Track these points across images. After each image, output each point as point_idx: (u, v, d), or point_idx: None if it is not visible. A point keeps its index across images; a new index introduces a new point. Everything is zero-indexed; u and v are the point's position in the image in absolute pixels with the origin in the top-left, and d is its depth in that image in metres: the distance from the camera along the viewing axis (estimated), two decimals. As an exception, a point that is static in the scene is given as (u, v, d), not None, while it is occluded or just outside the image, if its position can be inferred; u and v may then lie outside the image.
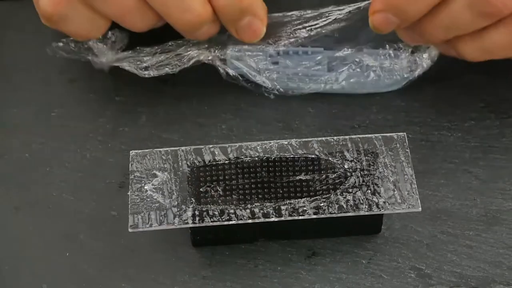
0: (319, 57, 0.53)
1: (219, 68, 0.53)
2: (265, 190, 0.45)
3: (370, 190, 0.45)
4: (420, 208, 0.45)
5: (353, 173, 0.45)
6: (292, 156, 0.46)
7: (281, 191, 0.45)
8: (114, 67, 0.53)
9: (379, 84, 0.53)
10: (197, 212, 0.44)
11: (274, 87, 0.53)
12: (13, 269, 0.48)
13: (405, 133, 0.47)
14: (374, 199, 0.45)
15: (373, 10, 0.48)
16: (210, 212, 0.44)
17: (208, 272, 0.47)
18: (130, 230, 0.44)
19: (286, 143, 0.46)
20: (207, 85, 0.55)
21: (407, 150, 0.46)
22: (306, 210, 0.44)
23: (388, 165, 0.46)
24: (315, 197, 0.45)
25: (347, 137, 0.46)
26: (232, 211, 0.44)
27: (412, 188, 0.45)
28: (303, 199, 0.45)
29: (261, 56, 0.53)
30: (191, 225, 0.44)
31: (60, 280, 0.47)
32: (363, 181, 0.45)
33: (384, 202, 0.45)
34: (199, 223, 0.44)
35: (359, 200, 0.45)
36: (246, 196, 0.45)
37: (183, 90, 0.55)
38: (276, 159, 0.46)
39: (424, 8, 0.47)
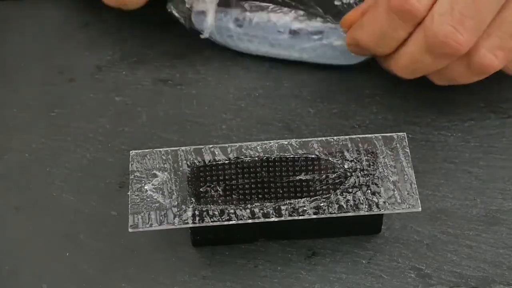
0: (283, 24, 0.53)
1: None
2: (265, 190, 0.45)
3: (370, 190, 0.45)
4: (420, 208, 0.45)
5: (353, 173, 0.45)
6: (292, 156, 0.46)
7: (281, 191, 0.45)
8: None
9: (344, 56, 0.53)
10: (197, 212, 0.44)
11: (235, 47, 0.55)
12: (13, 269, 0.48)
13: (405, 133, 0.47)
14: (374, 199, 0.45)
15: (347, 43, 0.52)
16: (210, 212, 0.44)
17: (208, 272, 0.47)
18: (130, 230, 0.44)
19: (286, 143, 0.46)
20: (207, 85, 0.55)
21: (407, 150, 0.46)
22: (306, 210, 0.44)
23: (388, 165, 0.46)
24: (315, 197, 0.45)
25: (347, 137, 0.46)
26: (232, 211, 0.44)
27: (412, 188, 0.45)
28: (303, 199, 0.45)
29: (225, 18, 0.53)
30: (191, 225, 0.44)
31: (60, 280, 0.47)
32: (363, 181, 0.45)
33: (384, 202, 0.45)
34: (199, 223, 0.44)
35: (359, 200, 0.45)
36: (246, 196, 0.45)
37: (183, 90, 0.55)
38: (276, 159, 0.46)
39: (385, 48, 0.50)
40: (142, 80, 0.55)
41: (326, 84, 0.55)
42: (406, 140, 0.46)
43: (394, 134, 0.47)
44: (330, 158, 0.46)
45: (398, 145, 0.46)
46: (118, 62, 0.56)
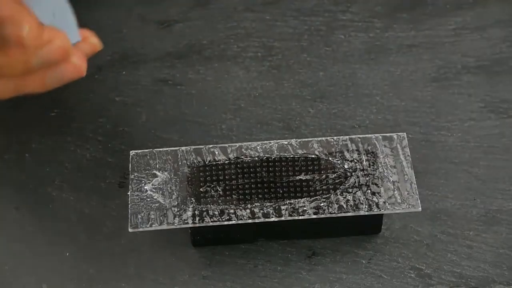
0: None
1: None
2: (265, 190, 0.45)
3: (370, 190, 0.45)
4: (420, 208, 0.45)
5: (353, 173, 0.45)
6: (292, 156, 0.46)
7: (281, 191, 0.45)
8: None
9: None
10: (197, 212, 0.44)
11: None
12: (13, 269, 0.48)
13: (405, 133, 0.47)
14: (374, 199, 0.45)
15: None
16: (210, 212, 0.44)
17: (208, 272, 0.47)
18: (130, 230, 0.44)
19: (286, 143, 0.46)
20: (207, 85, 0.55)
21: (407, 150, 0.46)
22: (306, 210, 0.44)
23: (388, 165, 0.46)
24: (315, 197, 0.45)
25: (347, 137, 0.46)
26: (232, 211, 0.44)
27: (412, 188, 0.45)
28: (303, 199, 0.45)
29: None
30: (191, 225, 0.44)
31: (60, 280, 0.47)
32: (363, 181, 0.45)
33: (384, 202, 0.45)
34: (199, 223, 0.44)
35: (359, 200, 0.45)
36: (246, 196, 0.45)
37: (183, 90, 0.55)
38: (276, 159, 0.46)
39: None
40: (142, 80, 0.55)
41: (326, 84, 0.55)
42: (406, 140, 0.46)
43: (394, 134, 0.47)
44: (330, 158, 0.46)
45: (398, 145, 0.46)
46: (118, 62, 0.56)
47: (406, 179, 0.45)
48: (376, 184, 0.45)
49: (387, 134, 0.47)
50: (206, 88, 0.55)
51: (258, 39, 0.57)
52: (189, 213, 0.44)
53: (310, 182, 0.45)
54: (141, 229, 0.44)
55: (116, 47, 0.57)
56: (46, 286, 0.47)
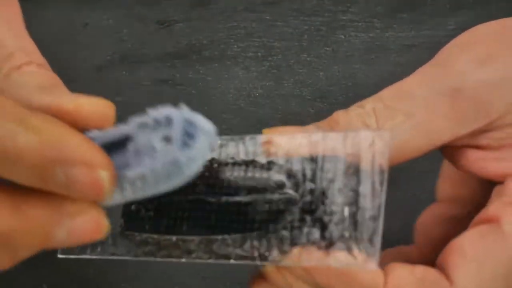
0: None
1: None
2: (198, 213, 0.34)
3: (317, 228, 0.32)
4: (375, 264, 0.31)
5: (301, 198, 0.33)
6: (236, 162, 0.35)
7: (213, 217, 0.34)
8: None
9: None
10: (119, 240, 0.36)
11: None
12: (14, 269, 0.48)
13: (388, 132, 0.34)
14: (314, 244, 0.32)
15: None
16: (135, 239, 0.35)
17: (208, 272, 0.47)
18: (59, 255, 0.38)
19: (236, 139, 0.36)
20: (207, 85, 0.55)
21: (383, 158, 0.32)
22: (231, 254, 0.33)
23: (347, 188, 0.32)
24: (249, 233, 0.33)
25: (307, 136, 0.35)
26: (153, 245, 0.34)
27: (375, 235, 0.31)
28: (232, 236, 0.33)
29: None
30: (110, 257, 0.35)
31: (60, 280, 0.47)
32: (310, 209, 0.33)
33: (328, 254, 0.32)
34: (118, 255, 0.35)
35: (299, 242, 0.32)
36: (177, 221, 0.34)
37: (183, 90, 0.55)
38: (222, 163, 0.35)
39: None
40: (142, 80, 0.55)
41: (326, 84, 0.55)
42: (388, 140, 0.32)
43: (362, 132, 0.33)
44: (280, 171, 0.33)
45: (368, 150, 0.33)
46: (118, 62, 0.56)
47: (368, 216, 0.31)
48: (323, 222, 0.32)
49: (355, 132, 0.35)
50: (206, 88, 0.55)
51: (258, 39, 0.57)
52: (110, 241, 0.35)
53: (249, 207, 0.33)
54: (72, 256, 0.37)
55: (116, 47, 0.57)
56: (46, 286, 0.47)
